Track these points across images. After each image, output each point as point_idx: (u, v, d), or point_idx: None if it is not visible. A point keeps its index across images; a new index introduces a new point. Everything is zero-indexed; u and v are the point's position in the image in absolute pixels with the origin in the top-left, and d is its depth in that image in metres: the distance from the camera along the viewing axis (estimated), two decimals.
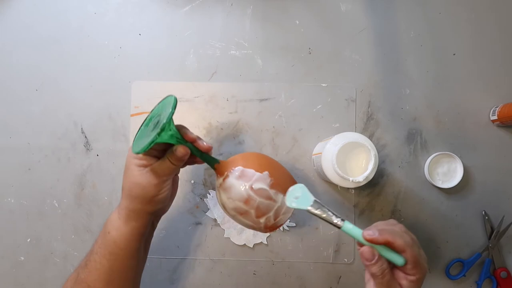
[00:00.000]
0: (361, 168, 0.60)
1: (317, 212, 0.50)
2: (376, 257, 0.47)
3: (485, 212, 0.71)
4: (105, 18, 0.74)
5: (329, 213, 0.50)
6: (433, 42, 0.73)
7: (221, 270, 0.72)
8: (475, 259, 0.70)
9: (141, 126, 0.57)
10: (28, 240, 0.72)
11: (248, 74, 0.73)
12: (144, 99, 0.73)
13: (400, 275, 0.48)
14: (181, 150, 0.52)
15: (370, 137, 0.72)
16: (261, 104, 0.73)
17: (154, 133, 0.50)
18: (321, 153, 0.63)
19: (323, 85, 0.73)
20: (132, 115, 0.73)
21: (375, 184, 0.72)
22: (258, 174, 0.54)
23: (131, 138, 0.72)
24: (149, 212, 0.54)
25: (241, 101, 0.73)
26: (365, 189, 0.72)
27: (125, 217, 0.53)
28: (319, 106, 0.73)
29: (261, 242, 0.71)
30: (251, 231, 0.70)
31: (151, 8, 0.74)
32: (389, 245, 0.47)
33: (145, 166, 0.52)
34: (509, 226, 0.70)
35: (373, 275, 0.48)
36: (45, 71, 0.73)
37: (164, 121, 0.49)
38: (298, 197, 0.52)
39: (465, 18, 0.73)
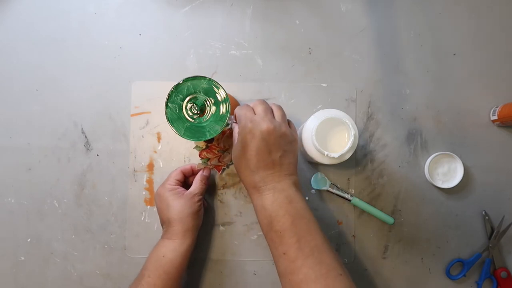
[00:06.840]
0: (342, 147, 0.60)
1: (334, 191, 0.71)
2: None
3: (485, 212, 0.71)
4: (105, 18, 0.74)
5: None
6: (433, 42, 0.73)
7: (221, 270, 0.72)
8: (475, 259, 0.70)
9: (167, 102, 0.59)
10: (28, 240, 0.72)
11: (248, 74, 0.73)
12: (144, 99, 0.73)
13: None
14: (207, 171, 0.69)
15: (370, 137, 0.72)
16: None
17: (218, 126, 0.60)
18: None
19: (323, 85, 0.73)
20: (132, 115, 0.73)
21: (375, 184, 0.72)
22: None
23: (131, 138, 0.72)
24: (198, 225, 0.66)
25: (241, 101, 0.72)
26: (365, 189, 0.72)
27: (181, 238, 0.64)
28: (319, 106, 0.73)
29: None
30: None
31: (151, 8, 0.74)
32: None
33: (182, 193, 0.66)
34: (509, 226, 0.70)
35: None
36: (45, 71, 0.73)
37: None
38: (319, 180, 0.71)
39: (465, 18, 0.73)
